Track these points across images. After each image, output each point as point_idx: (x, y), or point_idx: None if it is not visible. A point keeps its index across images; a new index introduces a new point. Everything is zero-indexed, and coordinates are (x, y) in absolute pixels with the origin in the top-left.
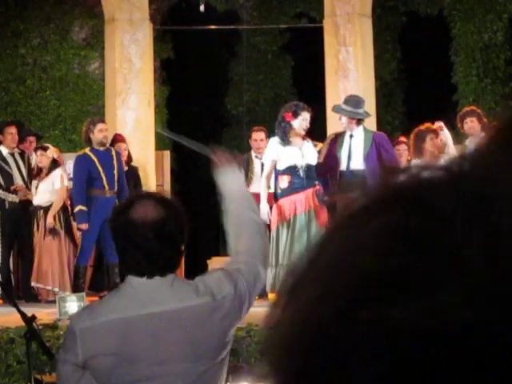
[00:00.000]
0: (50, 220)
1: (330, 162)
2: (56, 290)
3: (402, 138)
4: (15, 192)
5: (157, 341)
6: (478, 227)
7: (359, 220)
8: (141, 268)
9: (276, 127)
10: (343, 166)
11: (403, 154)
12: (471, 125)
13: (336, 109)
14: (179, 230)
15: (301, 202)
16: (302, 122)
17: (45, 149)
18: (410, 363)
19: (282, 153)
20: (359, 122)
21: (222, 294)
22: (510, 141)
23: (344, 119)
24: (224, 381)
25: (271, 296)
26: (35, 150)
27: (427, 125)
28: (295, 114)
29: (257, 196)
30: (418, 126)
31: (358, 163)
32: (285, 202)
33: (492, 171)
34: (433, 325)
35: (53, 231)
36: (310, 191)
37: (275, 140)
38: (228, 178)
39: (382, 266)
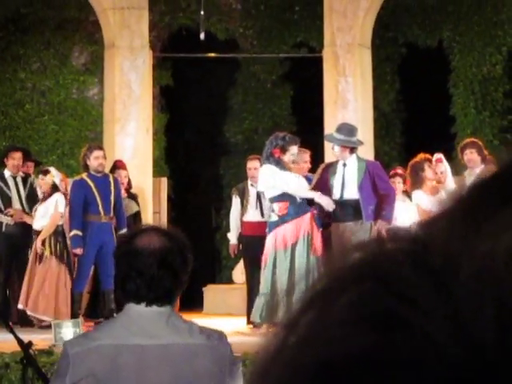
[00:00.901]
0: (38, 244)
1: (321, 191)
2: (44, 318)
3: (398, 170)
4: (10, 215)
5: (141, 373)
6: (439, 307)
7: (322, 302)
8: (140, 295)
9: (265, 159)
10: (336, 196)
11: (397, 186)
12: (470, 156)
13: (328, 137)
14: (182, 261)
15: (299, 229)
16: (290, 157)
17: (45, 173)
18: None
19: (282, 175)
20: (352, 150)
21: (218, 341)
22: (472, 212)
23: (337, 148)
24: None
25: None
26: (38, 174)
27: (421, 155)
28: (283, 150)
29: (251, 224)
30: (413, 159)
31: (351, 192)
32: (284, 228)
33: (452, 246)
34: None
35: (41, 257)
36: (307, 216)
37: (269, 166)
38: None
39: (346, 350)
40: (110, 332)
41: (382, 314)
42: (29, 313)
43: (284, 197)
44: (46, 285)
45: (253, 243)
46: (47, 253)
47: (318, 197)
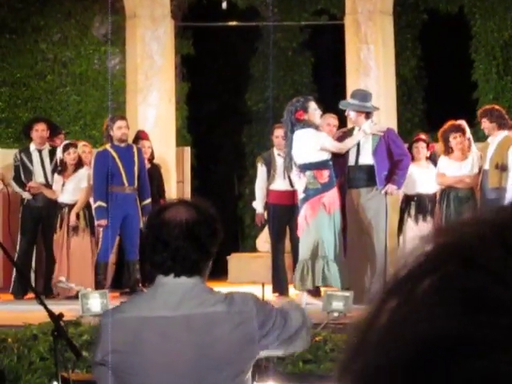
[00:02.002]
0: (73, 218)
1: (337, 157)
2: (78, 287)
3: (422, 136)
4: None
5: (164, 345)
6: None
7: (410, 285)
8: (166, 267)
9: (292, 128)
10: (352, 161)
11: (421, 151)
12: (484, 125)
13: (343, 103)
14: (210, 233)
15: (337, 198)
16: (314, 112)
17: (75, 146)
18: None
19: (325, 141)
20: (368, 116)
21: (239, 307)
22: None
23: (352, 114)
24: None
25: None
26: (65, 146)
27: (449, 123)
28: (305, 110)
29: (279, 193)
30: (442, 126)
31: (366, 158)
32: (328, 196)
33: None
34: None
35: (76, 229)
36: (336, 187)
37: (309, 130)
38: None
39: (440, 331)
40: (136, 304)
41: (476, 294)
42: (66, 284)
43: (326, 165)
44: (82, 256)
45: (280, 212)
46: (82, 225)
47: (355, 141)
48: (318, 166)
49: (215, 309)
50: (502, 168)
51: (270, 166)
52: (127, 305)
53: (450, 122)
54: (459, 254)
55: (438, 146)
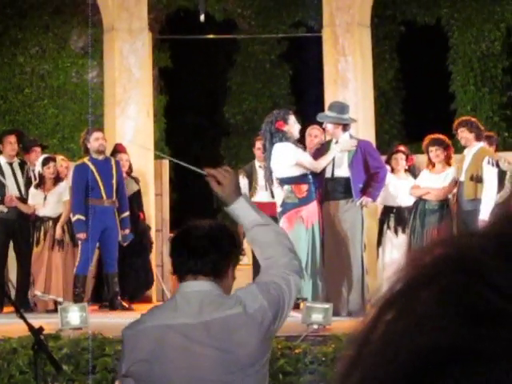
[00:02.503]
0: (59, 231)
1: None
2: (60, 299)
3: (401, 147)
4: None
5: (187, 352)
6: None
7: (408, 296)
8: (187, 267)
9: (271, 140)
10: (328, 173)
11: (400, 162)
12: (461, 135)
13: (320, 116)
14: (229, 239)
15: (316, 213)
16: (295, 125)
17: (54, 160)
18: None
19: (302, 157)
20: (345, 128)
21: (254, 307)
22: None
23: (330, 126)
24: None
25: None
26: (44, 160)
27: (429, 136)
28: (285, 120)
29: (262, 205)
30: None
31: (342, 170)
32: (305, 209)
33: None
34: None
35: (61, 243)
36: (316, 200)
37: (287, 144)
38: (241, 212)
39: (440, 343)
40: (158, 313)
41: (476, 306)
42: (45, 296)
43: (304, 179)
44: (67, 269)
45: None
46: (67, 239)
47: (339, 147)
48: (296, 180)
49: (232, 312)
50: (476, 180)
51: (251, 178)
52: (148, 315)
53: (430, 136)
54: (460, 265)
55: (420, 159)
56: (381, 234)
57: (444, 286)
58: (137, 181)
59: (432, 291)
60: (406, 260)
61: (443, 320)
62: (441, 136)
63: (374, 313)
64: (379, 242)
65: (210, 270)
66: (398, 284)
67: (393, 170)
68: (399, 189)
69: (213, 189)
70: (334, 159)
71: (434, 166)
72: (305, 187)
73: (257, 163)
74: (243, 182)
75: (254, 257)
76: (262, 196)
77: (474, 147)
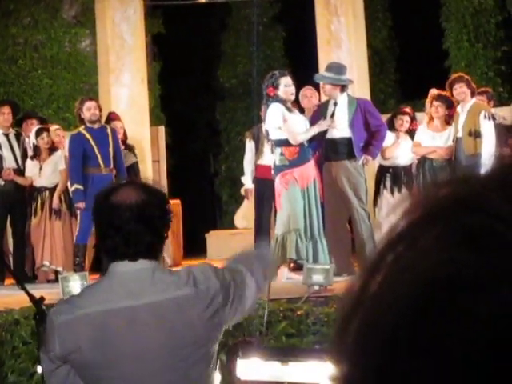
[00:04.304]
0: (56, 201)
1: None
2: (60, 269)
3: (407, 109)
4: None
5: (134, 336)
6: None
7: (419, 230)
8: (119, 252)
9: (265, 103)
10: (328, 135)
11: (404, 124)
12: (460, 90)
13: (317, 77)
14: (161, 215)
15: (309, 174)
16: (284, 88)
17: (47, 130)
18: (504, 345)
19: (290, 120)
20: (343, 88)
21: (205, 284)
22: None
23: (327, 87)
24: (213, 378)
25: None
26: (37, 131)
27: (435, 91)
28: (275, 86)
29: (267, 168)
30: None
31: (342, 131)
32: (297, 171)
33: None
34: None
35: (58, 212)
36: (312, 162)
37: (279, 106)
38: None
39: (450, 269)
40: (95, 297)
41: (481, 234)
42: (51, 267)
43: None
44: (65, 239)
45: (266, 186)
46: (64, 208)
47: (317, 128)
48: (286, 142)
49: (182, 292)
50: (475, 135)
51: (258, 141)
52: (83, 299)
53: (436, 91)
54: (466, 202)
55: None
56: (377, 193)
57: (450, 221)
58: (133, 150)
59: (438, 228)
60: (412, 200)
61: (450, 252)
62: (447, 94)
63: (376, 254)
64: (375, 202)
65: (147, 253)
66: (402, 224)
67: (394, 129)
68: (400, 149)
69: None
70: (333, 119)
71: (432, 120)
72: (295, 149)
73: (263, 126)
74: (249, 145)
75: (256, 219)
76: (267, 159)
77: (468, 103)
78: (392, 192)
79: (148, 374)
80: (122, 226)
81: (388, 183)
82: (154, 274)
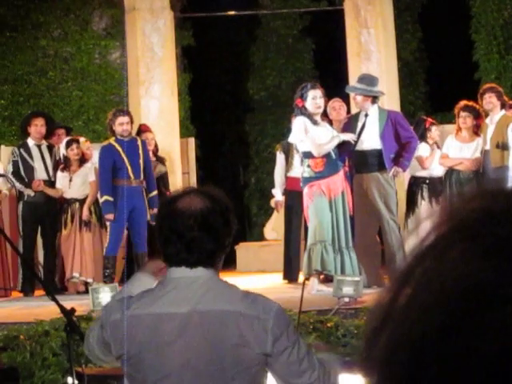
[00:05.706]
0: (86, 212)
1: (345, 143)
2: (90, 280)
3: (432, 120)
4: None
5: (179, 341)
6: None
7: (447, 243)
8: (180, 258)
9: (294, 114)
10: (358, 147)
11: (435, 135)
12: (489, 100)
13: (350, 88)
14: (224, 222)
15: (337, 186)
16: (311, 101)
17: (77, 141)
18: None
19: (314, 132)
20: (374, 100)
21: (259, 314)
22: None
23: (359, 98)
24: None
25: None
26: (67, 143)
27: (463, 102)
28: (304, 98)
29: (297, 180)
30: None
31: (373, 142)
32: (324, 183)
33: None
34: None
35: (88, 224)
36: (341, 173)
37: (303, 119)
38: None
39: (480, 279)
40: (149, 300)
41: (507, 246)
42: (81, 279)
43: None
44: (95, 250)
45: (296, 198)
46: (94, 220)
47: (339, 138)
48: (312, 154)
49: (229, 307)
50: (502, 147)
51: (288, 153)
52: (138, 301)
53: (464, 101)
54: (495, 216)
55: (445, 128)
56: (412, 204)
57: (479, 234)
58: (164, 162)
59: (467, 241)
60: (440, 213)
61: (479, 264)
62: (474, 104)
63: (402, 270)
64: (412, 212)
65: (207, 261)
66: (431, 236)
67: (422, 141)
68: (434, 161)
69: None
70: (361, 131)
71: (460, 131)
72: (322, 161)
73: None
74: (280, 157)
75: (285, 231)
76: (297, 171)
77: (496, 115)
78: (431, 203)
79: (188, 381)
80: (185, 233)
81: (426, 194)
82: (210, 283)
